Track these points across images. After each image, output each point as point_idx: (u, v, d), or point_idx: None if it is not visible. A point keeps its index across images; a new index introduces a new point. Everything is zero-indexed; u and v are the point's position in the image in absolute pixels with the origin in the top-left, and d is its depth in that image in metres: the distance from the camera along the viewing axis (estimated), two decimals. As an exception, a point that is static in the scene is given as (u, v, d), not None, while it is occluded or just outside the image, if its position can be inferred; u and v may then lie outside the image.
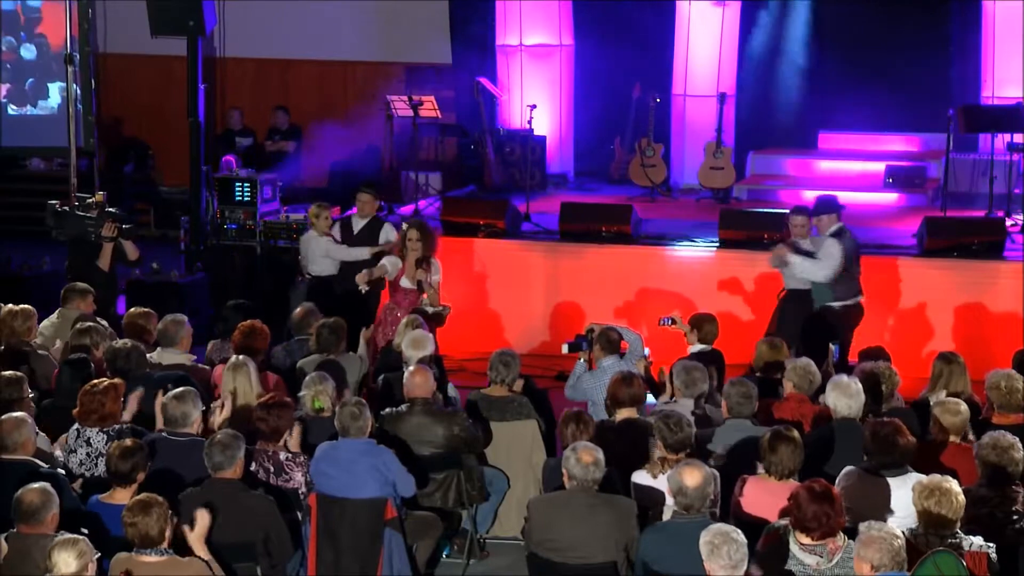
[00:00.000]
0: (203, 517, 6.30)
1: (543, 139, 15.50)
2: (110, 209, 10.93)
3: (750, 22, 15.21)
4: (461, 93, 15.97)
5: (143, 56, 17.16)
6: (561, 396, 9.09)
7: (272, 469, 7.35)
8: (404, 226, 10.92)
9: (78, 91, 14.02)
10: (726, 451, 7.43)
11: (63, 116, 14.32)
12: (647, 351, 9.18)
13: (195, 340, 9.19)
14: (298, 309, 9.80)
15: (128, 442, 6.80)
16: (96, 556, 5.86)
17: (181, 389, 7.49)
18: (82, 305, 9.62)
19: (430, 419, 7.89)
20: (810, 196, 12.32)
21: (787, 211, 10.95)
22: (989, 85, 14.38)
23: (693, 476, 6.33)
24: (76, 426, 7.47)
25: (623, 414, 7.77)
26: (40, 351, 8.98)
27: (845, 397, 7.49)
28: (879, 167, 14.61)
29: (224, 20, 16.85)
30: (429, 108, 14.46)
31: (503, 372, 8.41)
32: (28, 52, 16.04)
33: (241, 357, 8.20)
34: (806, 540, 6.04)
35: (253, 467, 7.29)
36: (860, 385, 7.58)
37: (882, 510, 6.53)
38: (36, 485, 6.27)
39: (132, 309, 9.41)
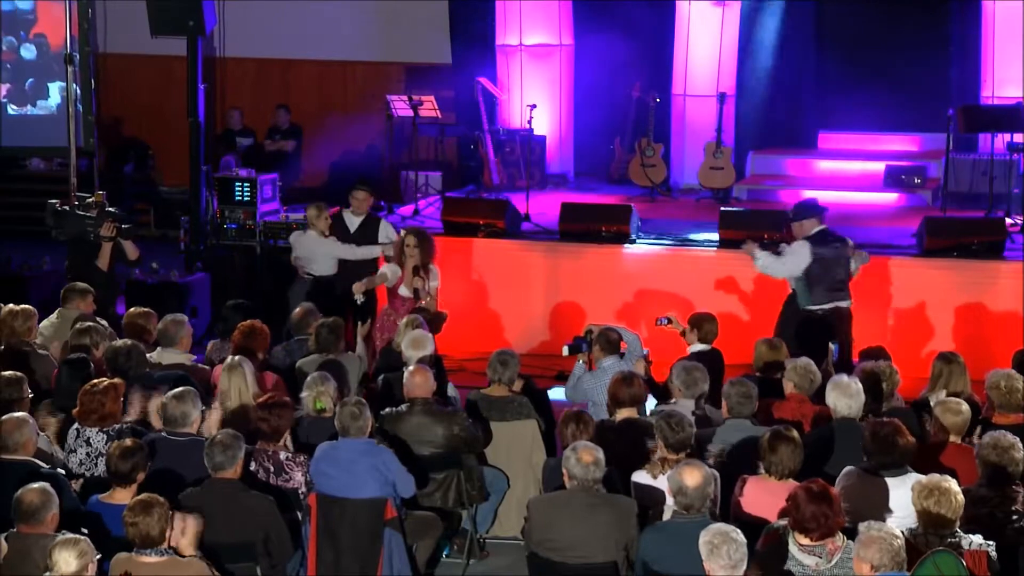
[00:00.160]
0: (191, 524, 6.27)
1: (543, 139, 15.52)
2: (110, 209, 10.93)
3: (750, 22, 15.20)
4: (461, 93, 15.96)
5: (143, 56, 17.16)
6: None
7: (272, 469, 7.35)
8: (402, 232, 10.92)
9: (78, 91, 14.01)
10: (722, 451, 7.43)
11: (63, 116, 14.31)
12: (646, 351, 9.18)
13: (195, 340, 9.19)
14: (297, 309, 9.80)
15: (128, 442, 6.80)
16: (96, 556, 5.87)
17: (181, 389, 7.49)
18: (82, 305, 9.61)
19: (430, 419, 7.89)
20: (810, 196, 12.33)
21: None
22: (989, 85, 14.38)
23: (693, 476, 6.33)
24: (76, 426, 7.47)
25: (623, 414, 7.78)
26: (40, 351, 8.98)
27: (845, 397, 7.49)
28: (879, 167, 14.62)
29: (224, 20, 16.85)
30: (429, 108, 14.47)
31: (500, 371, 8.40)
32: (28, 52, 16.04)
33: (237, 358, 8.19)
34: (805, 541, 6.04)
35: (253, 467, 7.29)
36: (860, 385, 7.58)
37: (882, 510, 6.53)
38: (36, 485, 6.27)
39: (132, 309, 9.41)
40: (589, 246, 12.52)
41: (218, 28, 16.77)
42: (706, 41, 15.12)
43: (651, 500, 6.94)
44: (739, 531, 5.82)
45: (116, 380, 7.64)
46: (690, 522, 6.24)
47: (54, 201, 11.06)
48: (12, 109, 16.08)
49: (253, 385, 8.05)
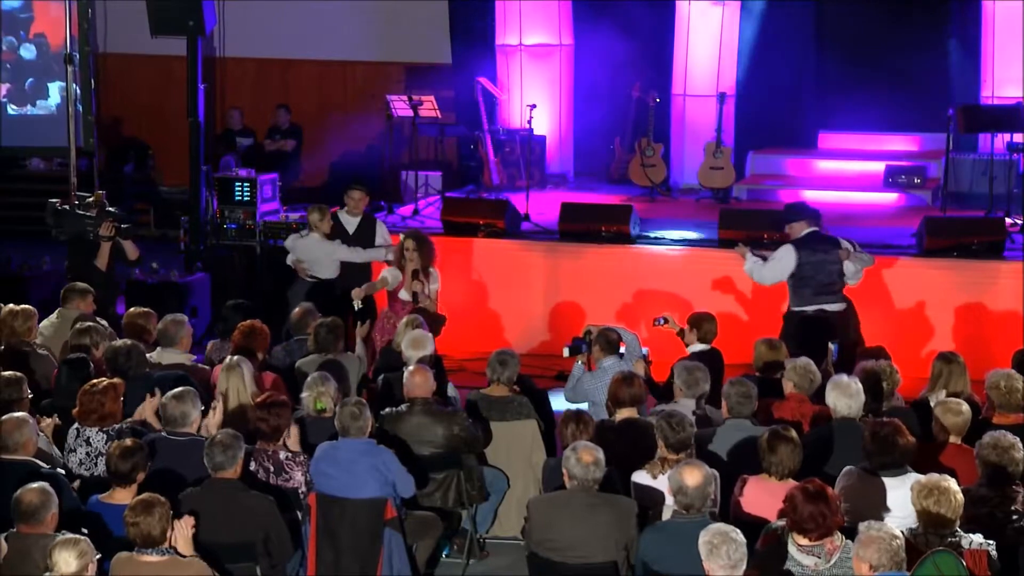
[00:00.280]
0: (181, 527, 6.26)
1: (543, 139, 15.52)
2: (109, 209, 10.93)
3: (750, 21, 15.20)
4: (461, 93, 15.96)
5: (143, 56, 17.16)
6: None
7: (272, 469, 7.35)
8: (402, 236, 10.91)
9: (78, 91, 14.01)
10: (725, 452, 7.43)
11: (63, 116, 14.30)
12: (646, 351, 9.18)
13: (195, 340, 9.18)
14: (296, 309, 9.80)
15: (128, 442, 6.80)
16: (96, 556, 5.87)
17: (181, 389, 7.49)
18: (82, 305, 9.62)
19: (430, 419, 7.89)
20: (810, 196, 12.33)
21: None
22: (989, 85, 14.39)
23: (693, 476, 6.34)
24: (76, 426, 7.47)
25: (623, 414, 7.78)
26: (40, 351, 8.98)
27: (845, 397, 7.49)
28: (879, 167, 14.61)
29: (224, 20, 16.84)
30: (429, 108, 14.47)
31: (500, 371, 8.40)
32: (28, 52, 16.04)
33: (235, 358, 8.19)
34: (803, 541, 6.04)
35: (253, 467, 7.29)
36: (860, 385, 7.58)
37: (881, 510, 6.52)
38: (35, 485, 6.27)
39: (132, 309, 9.40)
40: (589, 246, 12.53)
41: (218, 28, 16.77)
42: (706, 41, 15.12)
43: (651, 500, 6.95)
44: (739, 531, 5.81)
45: (116, 380, 7.64)
46: (690, 522, 6.24)
47: (54, 201, 11.06)
48: (12, 109, 16.08)
49: (251, 385, 8.05)
